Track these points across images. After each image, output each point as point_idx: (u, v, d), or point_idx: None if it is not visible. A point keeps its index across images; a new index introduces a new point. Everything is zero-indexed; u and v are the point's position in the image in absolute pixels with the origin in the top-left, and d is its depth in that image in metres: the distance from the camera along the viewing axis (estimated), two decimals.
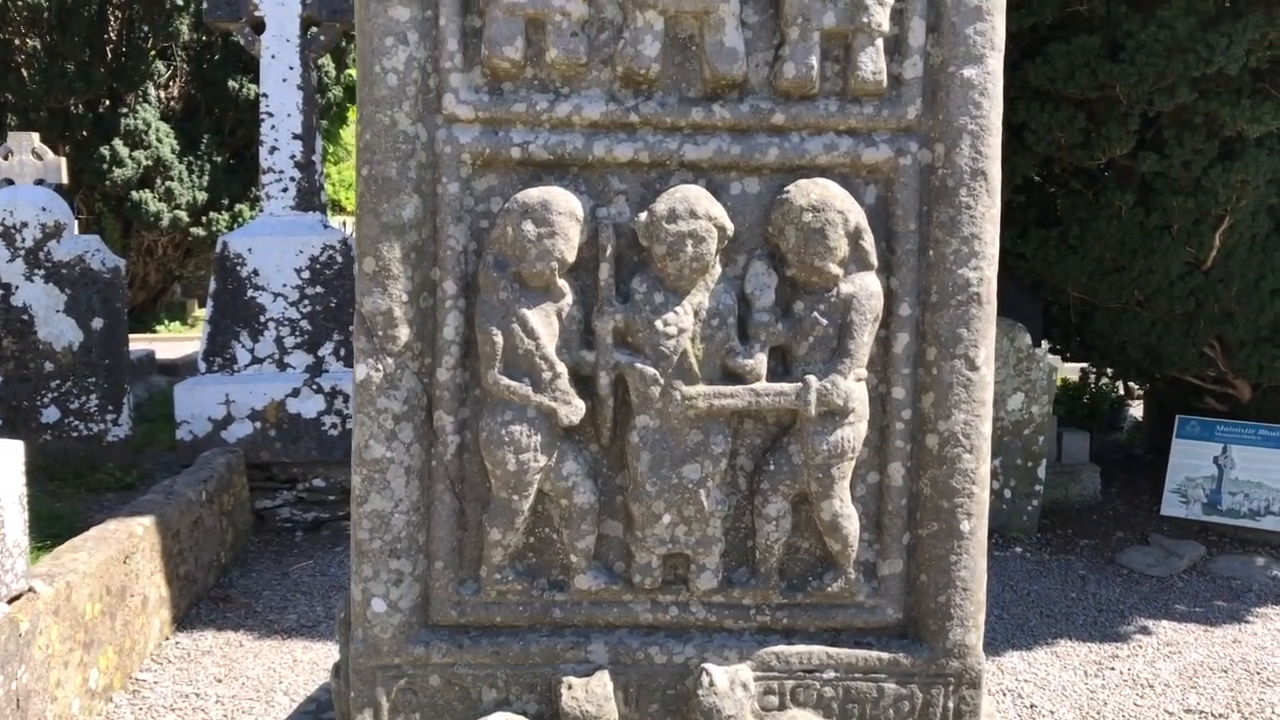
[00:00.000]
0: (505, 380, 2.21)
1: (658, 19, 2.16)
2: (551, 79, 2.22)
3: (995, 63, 2.16)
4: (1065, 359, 7.78)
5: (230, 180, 12.24)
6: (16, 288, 6.85)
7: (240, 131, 12.27)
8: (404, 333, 2.21)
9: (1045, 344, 7.04)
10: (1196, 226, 6.22)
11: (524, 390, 2.21)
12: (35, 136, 9.37)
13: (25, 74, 10.77)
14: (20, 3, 10.28)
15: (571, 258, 2.21)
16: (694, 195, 2.19)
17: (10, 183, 8.80)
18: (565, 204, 2.19)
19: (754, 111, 2.22)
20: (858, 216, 2.22)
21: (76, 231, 7.22)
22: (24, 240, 6.91)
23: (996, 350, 6.35)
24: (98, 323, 6.93)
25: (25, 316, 6.86)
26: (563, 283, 2.23)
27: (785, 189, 2.23)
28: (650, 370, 2.23)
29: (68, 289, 6.90)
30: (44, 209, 6.99)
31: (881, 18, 2.17)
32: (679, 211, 2.17)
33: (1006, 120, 6.32)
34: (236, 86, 11.90)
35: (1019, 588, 5.55)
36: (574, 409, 2.23)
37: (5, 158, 9.15)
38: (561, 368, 2.22)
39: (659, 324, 2.21)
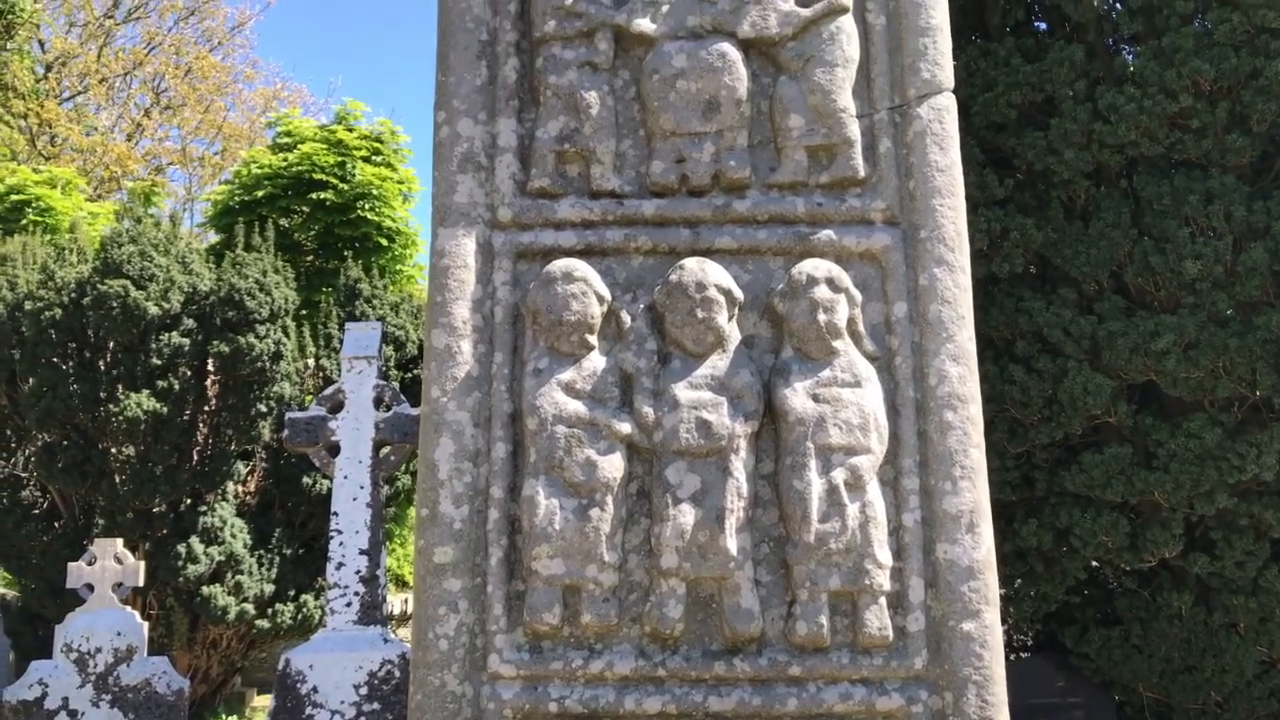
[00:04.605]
0: None
1: (680, 584, 2.40)
2: (586, 637, 2.43)
3: (991, 616, 2.33)
4: None
5: (298, 571, 12.58)
6: (83, 714, 6.98)
7: (311, 524, 12.78)
8: None
9: None
10: (1264, 625, 6.09)
11: None
12: (119, 543, 9.82)
13: (117, 480, 11.52)
14: (120, 417, 11.21)
15: None
16: None
17: (91, 588, 9.19)
18: None
19: (772, 664, 2.39)
20: None
21: (147, 651, 7.44)
22: (96, 665, 7.13)
23: None
24: None
25: None
26: None
27: None
28: None
29: (131, 713, 7.01)
30: (119, 633, 7.26)
31: (882, 579, 2.38)
32: None
33: (1050, 524, 6.47)
34: (310, 483, 12.56)
35: None
36: None
37: (90, 563, 9.60)
38: None
39: None
